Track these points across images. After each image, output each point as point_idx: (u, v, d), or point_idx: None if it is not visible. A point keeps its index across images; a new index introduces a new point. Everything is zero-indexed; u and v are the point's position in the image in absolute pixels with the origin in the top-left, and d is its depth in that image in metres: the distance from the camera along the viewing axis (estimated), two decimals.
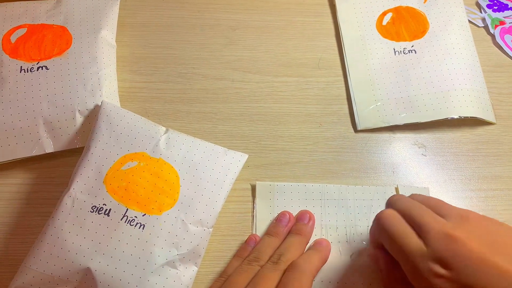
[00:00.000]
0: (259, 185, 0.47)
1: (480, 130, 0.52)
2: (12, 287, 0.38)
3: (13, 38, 0.52)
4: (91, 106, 0.47)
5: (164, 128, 0.46)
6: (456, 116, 0.50)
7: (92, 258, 0.39)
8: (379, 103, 0.52)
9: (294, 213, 0.45)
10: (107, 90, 0.49)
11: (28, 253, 0.40)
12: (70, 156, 0.47)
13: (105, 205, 0.41)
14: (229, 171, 0.45)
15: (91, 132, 0.45)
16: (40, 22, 0.53)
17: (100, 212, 0.41)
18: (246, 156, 0.47)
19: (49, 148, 0.46)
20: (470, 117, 0.50)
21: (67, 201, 0.41)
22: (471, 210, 0.46)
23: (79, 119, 0.47)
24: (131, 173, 0.43)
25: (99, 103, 0.47)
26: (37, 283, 0.38)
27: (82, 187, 0.42)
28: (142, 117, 0.47)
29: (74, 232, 0.40)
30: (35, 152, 0.46)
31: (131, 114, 0.47)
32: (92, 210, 0.41)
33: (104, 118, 0.46)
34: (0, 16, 0.53)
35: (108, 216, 0.41)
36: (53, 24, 0.53)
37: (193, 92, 0.53)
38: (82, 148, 0.46)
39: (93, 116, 0.47)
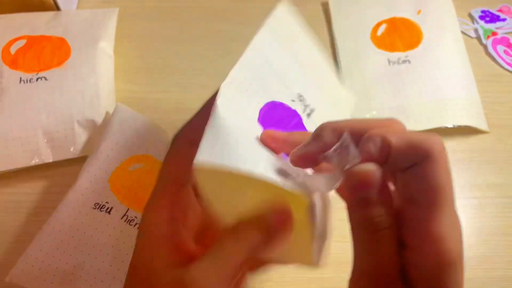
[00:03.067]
0: None
1: (474, 139, 0.52)
2: (11, 274, 0.39)
3: (12, 50, 0.52)
4: (89, 116, 0.48)
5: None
6: (450, 125, 0.51)
7: (89, 253, 0.40)
8: (374, 112, 0.52)
9: None
10: (105, 100, 0.50)
11: (31, 243, 0.41)
12: (68, 166, 0.48)
13: (108, 203, 0.42)
14: None
15: (103, 132, 0.46)
16: (39, 34, 0.54)
17: (102, 210, 0.42)
18: None
19: (48, 158, 0.46)
20: (464, 125, 0.51)
21: (72, 196, 0.42)
22: (465, 218, 0.47)
23: (78, 129, 0.47)
24: (136, 174, 0.44)
25: (98, 113, 0.48)
26: (35, 272, 0.39)
27: (88, 184, 0.43)
28: (154, 122, 0.48)
29: (75, 227, 0.41)
30: (34, 161, 0.46)
31: (143, 118, 0.48)
32: (94, 207, 0.42)
33: (117, 120, 0.47)
34: (0, 28, 0.54)
35: (109, 214, 0.42)
36: (52, 36, 0.54)
37: (190, 102, 0.54)
38: (81, 157, 0.46)
39: (91, 126, 0.48)
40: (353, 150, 0.23)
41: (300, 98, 0.36)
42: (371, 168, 0.23)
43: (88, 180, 0.43)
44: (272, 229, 0.25)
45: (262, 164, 0.25)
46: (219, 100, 0.28)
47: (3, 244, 0.44)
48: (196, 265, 0.25)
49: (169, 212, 0.27)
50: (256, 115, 0.32)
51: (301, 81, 0.37)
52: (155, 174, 0.43)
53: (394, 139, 0.23)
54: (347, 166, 0.23)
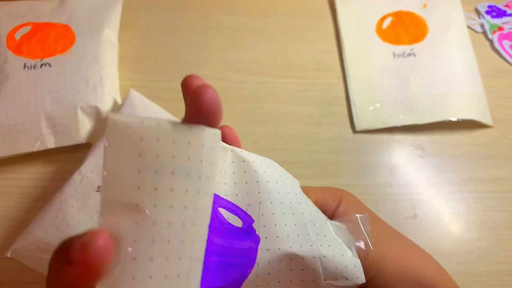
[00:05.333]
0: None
1: (478, 133, 0.52)
2: (11, 249, 0.40)
3: (17, 36, 0.52)
4: (92, 103, 0.48)
5: None
6: (454, 118, 0.50)
7: None
8: (378, 105, 0.52)
9: None
10: (109, 87, 0.50)
11: (33, 220, 0.41)
12: (70, 152, 0.48)
13: None
14: None
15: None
16: (44, 21, 0.54)
17: None
18: None
19: (51, 144, 0.46)
20: (468, 119, 0.51)
21: (76, 177, 0.42)
22: (468, 211, 0.47)
23: (81, 116, 0.47)
24: None
25: (101, 100, 0.48)
26: (34, 249, 0.39)
27: (93, 167, 0.43)
28: (165, 111, 0.48)
29: (77, 208, 0.41)
30: (37, 147, 0.46)
31: (155, 106, 0.48)
32: (97, 190, 0.42)
33: (128, 105, 0.47)
34: (5, 15, 0.54)
35: None
36: (57, 23, 0.54)
37: None
38: (83, 144, 0.46)
39: (94, 113, 0.48)
40: None
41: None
42: None
43: (94, 163, 0.43)
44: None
45: None
46: None
47: (6, 228, 0.44)
48: None
49: None
50: None
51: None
52: None
53: None
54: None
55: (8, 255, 0.40)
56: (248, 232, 0.26)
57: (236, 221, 0.26)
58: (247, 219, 0.26)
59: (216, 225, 0.25)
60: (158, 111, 0.48)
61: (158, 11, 0.59)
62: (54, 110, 0.47)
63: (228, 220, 0.26)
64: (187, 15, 0.59)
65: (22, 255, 0.40)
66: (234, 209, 0.26)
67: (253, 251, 0.26)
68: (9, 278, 0.42)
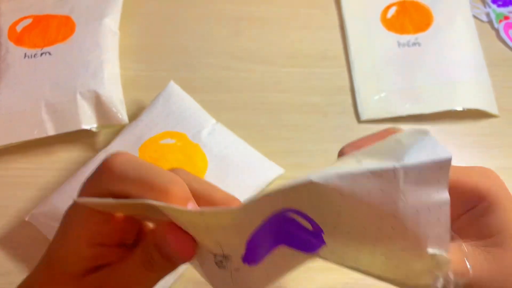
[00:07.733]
0: None
1: (484, 123, 0.52)
2: (32, 211, 0.42)
3: (18, 28, 0.53)
4: (92, 87, 0.47)
5: (214, 121, 0.48)
6: (459, 108, 0.50)
7: None
8: (383, 94, 0.52)
9: None
10: (109, 73, 0.49)
11: (56, 191, 0.43)
12: (71, 142, 0.48)
13: None
14: (258, 179, 0.45)
15: (149, 104, 0.49)
16: (45, 13, 0.54)
17: None
18: (282, 171, 0.46)
19: (51, 131, 0.46)
20: (474, 109, 0.50)
21: (102, 155, 0.44)
22: None
23: (80, 101, 0.47)
24: (166, 148, 0.45)
25: (102, 86, 0.48)
26: (52, 217, 0.41)
27: (119, 147, 0.45)
28: (200, 107, 0.49)
29: None
30: (37, 133, 0.46)
31: (191, 100, 0.49)
32: None
33: (166, 95, 0.49)
34: (8, 8, 0.54)
35: None
36: (58, 14, 0.53)
37: (197, 81, 0.53)
38: (85, 131, 0.47)
39: (93, 97, 0.47)
40: None
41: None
42: None
43: (121, 144, 0.45)
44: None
45: None
46: None
47: (7, 218, 0.44)
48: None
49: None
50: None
51: None
52: (183, 153, 0.45)
53: None
54: None
55: (27, 219, 0.42)
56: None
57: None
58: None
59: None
60: (192, 105, 0.49)
61: (161, 0, 0.59)
62: (54, 96, 0.47)
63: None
64: (191, 4, 0.59)
65: (39, 221, 0.42)
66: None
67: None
68: None
